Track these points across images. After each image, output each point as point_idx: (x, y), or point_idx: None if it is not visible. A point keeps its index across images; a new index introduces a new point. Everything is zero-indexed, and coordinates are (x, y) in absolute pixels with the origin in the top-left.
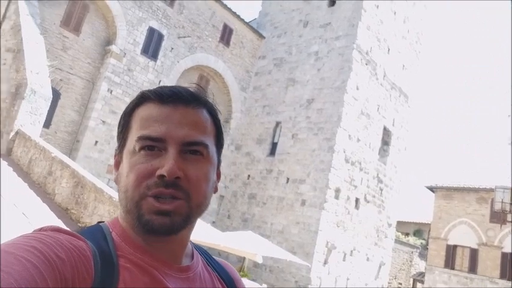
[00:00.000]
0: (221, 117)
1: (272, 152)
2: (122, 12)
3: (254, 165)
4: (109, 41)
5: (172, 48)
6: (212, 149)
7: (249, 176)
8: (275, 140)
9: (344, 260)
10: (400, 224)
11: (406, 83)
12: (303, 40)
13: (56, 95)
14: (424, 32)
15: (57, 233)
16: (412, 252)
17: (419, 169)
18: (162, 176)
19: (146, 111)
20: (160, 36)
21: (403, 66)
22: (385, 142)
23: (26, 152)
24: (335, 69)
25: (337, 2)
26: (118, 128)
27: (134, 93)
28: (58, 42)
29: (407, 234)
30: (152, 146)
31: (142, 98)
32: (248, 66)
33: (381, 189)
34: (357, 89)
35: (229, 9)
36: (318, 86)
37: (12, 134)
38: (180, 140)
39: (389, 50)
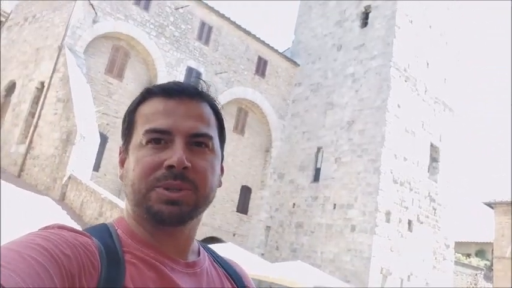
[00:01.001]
0: (259, 144)
1: (316, 178)
2: (161, 55)
3: (298, 193)
4: (150, 83)
5: (210, 85)
6: (216, 141)
7: (294, 204)
8: (318, 166)
9: (401, 287)
10: (460, 245)
11: (449, 96)
12: (338, 63)
13: (104, 139)
14: (463, 42)
15: (63, 230)
16: (476, 275)
17: (474, 185)
18: (170, 167)
19: (151, 106)
20: (198, 74)
21: (445, 79)
22: (434, 159)
23: (78, 195)
24: (373, 89)
25: (369, 22)
26: (123, 125)
27: None
28: (103, 88)
29: (468, 255)
30: (159, 138)
31: (147, 94)
32: (285, 94)
33: (434, 209)
34: (399, 106)
35: (262, 42)
36: (357, 107)
37: (65, 179)
38: (186, 132)
39: (428, 64)
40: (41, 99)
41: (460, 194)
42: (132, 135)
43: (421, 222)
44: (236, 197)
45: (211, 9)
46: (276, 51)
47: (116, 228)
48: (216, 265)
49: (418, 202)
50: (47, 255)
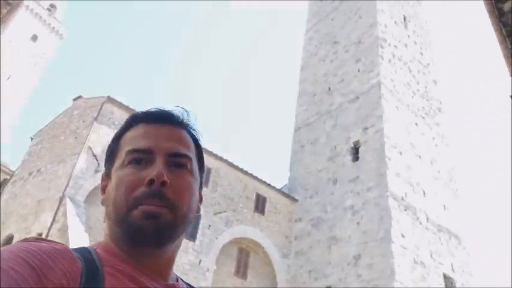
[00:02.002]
0: (265, 285)
1: None
2: None
3: None
4: None
5: (209, 226)
6: (195, 164)
7: None
8: None
9: None
10: None
11: (452, 224)
12: (335, 197)
13: None
14: (455, 168)
15: (41, 241)
16: None
17: None
18: (150, 183)
19: (134, 132)
20: (198, 216)
21: (444, 206)
22: None
23: None
24: (375, 220)
25: (360, 156)
26: (107, 153)
27: (177, 270)
28: (102, 237)
29: None
30: (140, 159)
31: (132, 121)
32: (286, 231)
33: None
34: (403, 236)
35: (260, 180)
36: (361, 240)
37: None
38: (166, 151)
39: (424, 192)
40: None
41: None
42: (115, 160)
43: None
44: None
45: (209, 152)
46: (274, 188)
47: (95, 248)
48: None
49: None
50: (26, 265)
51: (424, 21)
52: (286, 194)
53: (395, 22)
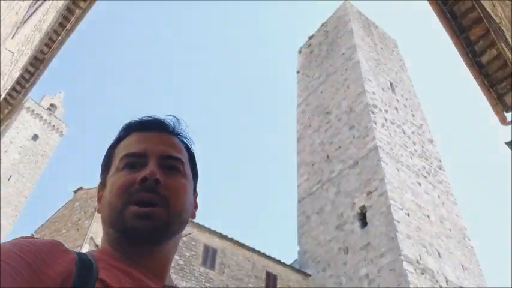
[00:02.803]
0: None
1: None
2: None
3: None
4: None
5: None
6: (188, 167)
7: None
8: None
9: None
10: None
11: (474, 284)
12: (348, 267)
13: None
14: (467, 226)
15: (32, 238)
16: None
17: None
18: (143, 180)
19: (128, 140)
20: None
21: (462, 266)
22: None
23: None
24: (392, 287)
25: (368, 221)
26: (102, 164)
27: None
28: None
29: None
30: (134, 163)
31: (126, 130)
32: None
33: None
34: None
35: (268, 257)
36: None
37: None
38: (159, 153)
39: (439, 253)
40: None
41: None
42: (110, 168)
43: None
44: None
45: (214, 232)
46: (284, 264)
47: (91, 252)
48: None
49: None
50: (20, 261)
51: (410, 85)
52: (298, 270)
53: (382, 89)
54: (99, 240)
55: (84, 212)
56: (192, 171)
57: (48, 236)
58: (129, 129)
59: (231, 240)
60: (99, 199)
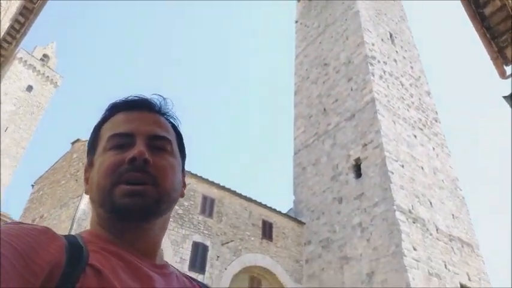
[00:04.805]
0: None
1: None
2: (166, 235)
3: None
4: None
5: (218, 257)
6: (175, 146)
7: None
8: None
9: None
10: None
11: (463, 232)
12: (342, 216)
13: None
14: (459, 177)
15: (21, 224)
16: None
17: None
18: (132, 160)
19: (114, 120)
20: (205, 248)
21: (453, 215)
22: None
23: None
24: (384, 235)
25: (362, 172)
26: (88, 145)
27: None
28: None
29: None
30: (122, 144)
31: (111, 109)
32: (296, 255)
33: None
34: (415, 249)
35: (264, 206)
36: (373, 257)
37: None
38: (146, 134)
39: (431, 203)
40: None
41: None
42: (97, 148)
43: None
44: None
45: (212, 183)
46: (280, 212)
47: (80, 234)
48: (188, 278)
49: None
50: (8, 247)
51: (409, 36)
52: (293, 218)
53: (382, 39)
54: None
55: (82, 164)
56: (179, 151)
57: (48, 187)
58: (115, 108)
59: (228, 190)
60: (87, 180)
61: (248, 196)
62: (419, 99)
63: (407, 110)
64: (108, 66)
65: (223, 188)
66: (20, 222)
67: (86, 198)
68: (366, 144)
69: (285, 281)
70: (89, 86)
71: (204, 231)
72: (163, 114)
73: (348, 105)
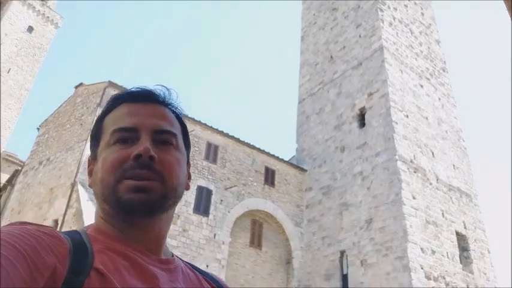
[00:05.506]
0: (279, 257)
1: (344, 285)
2: None
3: None
4: None
5: (221, 200)
6: (181, 140)
7: None
8: (344, 272)
9: None
10: None
11: (463, 182)
12: (344, 164)
13: None
14: (463, 128)
15: (25, 224)
16: None
17: None
18: (137, 157)
19: (118, 112)
20: (209, 192)
21: (454, 166)
22: (463, 248)
23: None
24: (385, 184)
25: (366, 122)
26: (91, 137)
27: (193, 253)
28: None
29: None
30: (126, 138)
31: (114, 101)
32: (297, 200)
33: None
34: (414, 198)
35: (267, 153)
36: (372, 204)
37: None
38: (151, 128)
39: (433, 153)
40: None
41: (502, 282)
42: (100, 141)
43: None
44: None
45: (216, 130)
46: (282, 160)
47: (85, 230)
48: (194, 271)
49: None
50: (11, 248)
51: None
52: (295, 165)
53: None
54: None
55: (87, 108)
56: (184, 142)
57: (53, 131)
58: (118, 100)
59: (232, 137)
60: (90, 173)
61: (252, 144)
62: (429, 47)
63: (415, 59)
64: (110, 5)
65: (227, 135)
66: (25, 222)
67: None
68: (371, 94)
69: (286, 224)
70: (90, 28)
71: (208, 177)
72: (168, 105)
73: (355, 52)
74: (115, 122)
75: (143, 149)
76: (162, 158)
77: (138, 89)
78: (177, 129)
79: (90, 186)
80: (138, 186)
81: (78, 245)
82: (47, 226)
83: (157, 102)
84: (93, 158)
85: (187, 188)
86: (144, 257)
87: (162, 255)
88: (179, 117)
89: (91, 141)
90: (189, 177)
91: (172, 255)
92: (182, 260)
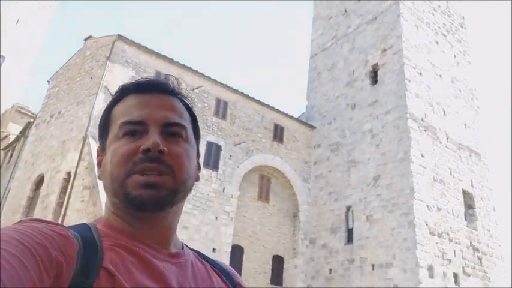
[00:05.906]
0: (286, 210)
1: (349, 239)
2: None
3: (333, 257)
4: None
5: (230, 156)
6: (190, 132)
7: (330, 270)
8: (350, 226)
9: None
10: None
11: (473, 141)
12: (354, 121)
13: None
14: (477, 87)
15: (36, 222)
16: None
17: None
18: (146, 151)
19: (126, 103)
20: (218, 147)
21: (465, 125)
22: (469, 206)
23: None
24: (394, 142)
25: (379, 79)
26: (99, 127)
27: (202, 206)
28: None
29: None
30: (134, 131)
31: (122, 92)
32: (305, 157)
33: (480, 259)
34: (422, 156)
35: (277, 110)
36: (380, 162)
37: None
38: (160, 121)
39: (445, 112)
40: (68, 189)
41: (505, 240)
42: (109, 133)
43: (468, 275)
44: (268, 268)
45: (225, 86)
46: (291, 117)
47: (95, 224)
48: (203, 261)
49: (460, 253)
50: (21, 247)
51: None
52: (304, 122)
53: None
54: (113, 88)
55: (96, 61)
56: (194, 131)
57: (64, 84)
58: (126, 90)
59: (241, 94)
60: (99, 163)
61: (261, 100)
62: (447, 2)
63: (433, 14)
64: None
65: (236, 91)
66: (36, 220)
67: (101, 96)
68: (385, 50)
69: (293, 179)
70: None
71: (218, 132)
72: (177, 95)
73: (370, 6)
74: (123, 114)
75: (152, 143)
76: (172, 151)
77: (146, 79)
78: (186, 121)
79: (100, 178)
80: (148, 182)
81: (88, 243)
82: (57, 224)
83: (166, 93)
84: (101, 149)
85: (197, 179)
86: (154, 252)
87: (172, 248)
88: (188, 107)
89: (99, 131)
90: (199, 168)
91: (183, 247)
92: (192, 250)
